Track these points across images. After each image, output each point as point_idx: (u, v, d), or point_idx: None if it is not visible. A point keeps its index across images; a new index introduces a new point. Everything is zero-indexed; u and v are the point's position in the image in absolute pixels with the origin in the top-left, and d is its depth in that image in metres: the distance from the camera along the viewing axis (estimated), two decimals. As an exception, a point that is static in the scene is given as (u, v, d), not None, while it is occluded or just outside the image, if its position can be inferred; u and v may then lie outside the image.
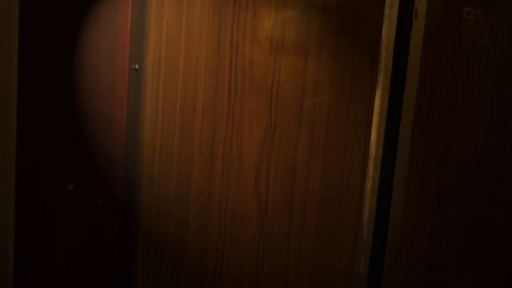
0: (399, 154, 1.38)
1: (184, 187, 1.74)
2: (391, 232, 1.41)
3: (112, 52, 1.59)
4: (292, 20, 1.53)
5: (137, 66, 1.71)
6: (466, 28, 1.32)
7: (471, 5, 1.31)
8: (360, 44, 1.45)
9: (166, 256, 1.82)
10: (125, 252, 1.83)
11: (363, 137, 1.48)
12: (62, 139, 1.66)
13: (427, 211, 1.42)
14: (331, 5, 1.48)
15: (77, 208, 1.70)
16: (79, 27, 1.60)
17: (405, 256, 1.45)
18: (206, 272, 1.73)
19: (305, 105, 1.53)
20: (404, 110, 1.35)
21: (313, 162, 1.54)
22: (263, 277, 1.64)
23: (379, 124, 1.39)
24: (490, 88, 1.33)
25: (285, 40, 1.54)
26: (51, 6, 1.60)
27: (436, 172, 1.40)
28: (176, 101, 1.72)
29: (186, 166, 1.73)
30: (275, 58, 1.56)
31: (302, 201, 1.57)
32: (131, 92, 1.66)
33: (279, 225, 1.60)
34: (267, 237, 1.62)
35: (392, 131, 1.38)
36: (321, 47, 1.50)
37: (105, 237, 1.75)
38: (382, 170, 1.41)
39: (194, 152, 1.71)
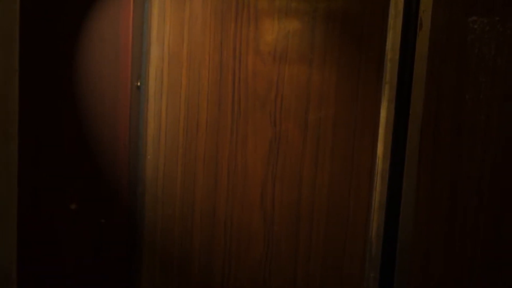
0: (406, 166, 1.36)
1: (189, 205, 1.72)
2: (400, 246, 1.38)
3: (114, 70, 1.59)
4: (295, 32, 1.52)
5: (139, 83, 1.70)
6: (473, 37, 1.30)
7: (477, 15, 1.30)
8: (364, 56, 1.44)
9: (172, 275, 1.79)
10: (130, 271, 1.80)
11: (369, 150, 1.45)
12: (65, 159, 1.65)
13: (437, 225, 1.39)
14: (335, 16, 1.47)
15: (80, 227, 1.68)
16: (80, 46, 1.60)
17: (416, 270, 1.42)
18: (212, 291, 1.70)
19: (310, 118, 1.52)
20: (411, 122, 1.33)
21: (319, 176, 1.52)
22: (270, 295, 1.61)
23: (385, 136, 1.37)
24: (497, 98, 1.31)
25: (288, 52, 1.53)
26: (51, 24, 1.60)
27: (445, 185, 1.38)
28: (179, 117, 1.70)
29: (190, 183, 1.71)
30: (279, 71, 1.54)
31: (308, 216, 1.54)
32: (133, 109, 1.65)
33: (285, 242, 1.57)
34: (274, 255, 1.59)
35: (399, 144, 1.36)
36: (325, 59, 1.48)
37: (109, 256, 1.72)
38: (389, 183, 1.39)
39: (198, 168, 1.69)
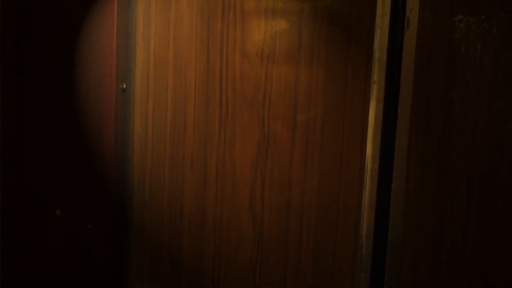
0: (395, 166, 1.36)
1: (177, 208, 1.70)
2: (391, 246, 1.38)
3: (97, 73, 1.56)
4: (282, 32, 1.51)
5: (124, 86, 1.68)
6: (459, 36, 1.31)
7: (463, 13, 1.30)
8: (352, 56, 1.43)
9: (161, 279, 1.76)
10: (119, 276, 1.78)
11: (358, 150, 1.45)
12: (48, 164, 1.61)
13: (427, 224, 1.39)
14: (322, 16, 1.46)
15: (66, 233, 1.65)
16: (59, 48, 1.56)
17: (406, 270, 1.41)
18: (202, 295, 1.68)
19: (298, 119, 1.51)
20: (399, 122, 1.33)
21: (308, 177, 1.51)
22: (261, 298, 1.59)
23: (374, 136, 1.37)
24: (485, 96, 1.31)
25: (276, 53, 1.52)
26: (26, 25, 1.57)
27: (434, 184, 1.38)
28: (166, 119, 1.68)
29: (178, 186, 1.68)
30: (266, 72, 1.53)
31: (298, 218, 1.53)
32: (119, 112, 1.63)
33: (275, 244, 1.56)
34: (264, 257, 1.58)
35: (388, 143, 1.36)
36: (312, 60, 1.48)
37: (97, 262, 1.70)
38: (379, 183, 1.38)
39: (186, 171, 1.67)
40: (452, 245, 1.38)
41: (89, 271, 1.70)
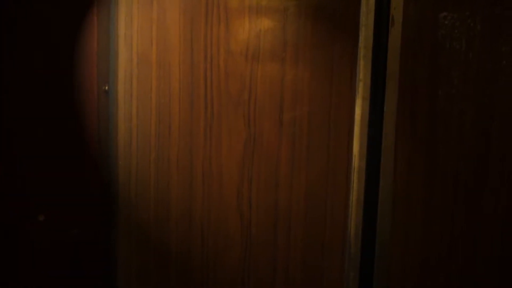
0: (383, 164, 1.35)
1: (164, 210, 1.68)
2: (379, 244, 1.38)
3: (78, 75, 1.53)
4: (267, 31, 1.49)
5: (107, 88, 1.65)
6: (444, 33, 1.30)
7: (447, 10, 1.30)
8: (337, 53, 1.42)
9: (149, 282, 1.75)
10: (106, 280, 1.76)
11: (345, 148, 1.44)
12: (30, 168, 1.58)
13: (415, 222, 1.39)
14: (306, 14, 1.45)
15: (51, 237, 1.62)
16: (39, 50, 1.53)
17: (395, 268, 1.41)
18: (191, 297, 1.67)
19: (285, 118, 1.49)
20: (386, 119, 1.33)
21: (296, 176, 1.50)
22: (250, 299, 1.59)
23: (361, 134, 1.36)
24: (470, 92, 1.31)
25: (261, 51, 1.50)
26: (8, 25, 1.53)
27: (421, 181, 1.38)
28: (150, 120, 1.66)
29: (164, 187, 1.66)
30: (251, 71, 1.51)
31: (286, 217, 1.52)
32: (102, 114, 1.60)
33: (264, 244, 1.55)
34: (252, 257, 1.57)
35: (375, 141, 1.35)
36: (297, 58, 1.46)
37: (83, 266, 1.67)
38: (366, 181, 1.38)
39: (172, 172, 1.65)
40: (440, 243, 1.38)
41: (76, 274, 1.67)
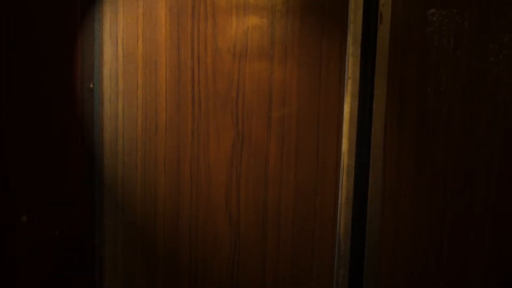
0: (372, 162, 1.35)
1: (151, 210, 1.65)
2: (369, 242, 1.38)
3: (61, 73, 1.49)
4: (254, 28, 1.47)
5: (92, 85, 1.62)
6: (432, 30, 1.30)
7: (435, 7, 1.29)
8: (326, 51, 1.41)
9: (136, 284, 1.72)
10: (91, 283, 1.73)
11: (334, 147, 1.44)
12: (10, 169, 1.54)
13: (404, 220, 1.39)
14: (294, 11, 1.44)
15: (33, 239, 1.58)
16: (19, 47, 1.49)
17: (385, 266, 1.41)
18: (179, 298, 1.65)
19: (273, 116, 1.48)
20: (375, 117, 1.32)
21: (285, 175, 1.49)
22: (239, 299, 1.57)
23: (350, 132, 1.36)
24: (458, 90, 1.32)
25: (248, 49, 1.49)
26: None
27: (410, 179, 1.38)
28: (136, 119, 1.63)
29: (151, 188, 1.64)
30: (239, 68, 1.50)
31: (275, 216, 1.51)
32: (86, 113, 1.57)
33: (253, 244, 1.54)
34: (242, 256, 1.55)
35: (364, 139, 1.35)
36: (286, 56, 1.45)
37: (68, 268, 1.64)
38: (355, 180, 1.38)
39: (159, 172, 1.62)
40: (429, 240, 1.38)
41: (61, 276, 1.64)
